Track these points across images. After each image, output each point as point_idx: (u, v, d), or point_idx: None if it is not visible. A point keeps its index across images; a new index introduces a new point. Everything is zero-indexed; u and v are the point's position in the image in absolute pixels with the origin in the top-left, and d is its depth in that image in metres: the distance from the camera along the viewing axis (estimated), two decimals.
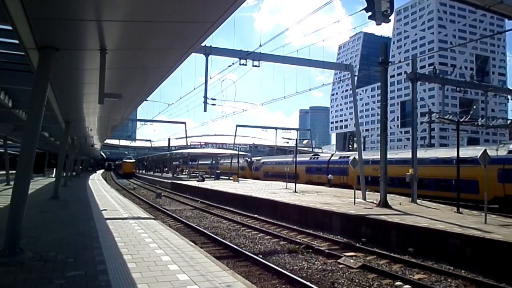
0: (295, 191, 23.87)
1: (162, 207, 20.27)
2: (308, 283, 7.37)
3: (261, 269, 8.53)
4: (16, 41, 7.25)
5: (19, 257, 6.25)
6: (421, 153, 23.74)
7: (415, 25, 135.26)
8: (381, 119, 18.08)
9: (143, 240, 8.18)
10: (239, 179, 40.57)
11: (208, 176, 47.55)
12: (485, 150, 12.94)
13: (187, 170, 56.69)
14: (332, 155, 37.28)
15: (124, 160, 73.30)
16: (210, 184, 32.49)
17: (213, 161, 58.88)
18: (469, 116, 33.39)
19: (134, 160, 75.31)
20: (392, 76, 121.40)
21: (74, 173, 39.54)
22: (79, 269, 5.76)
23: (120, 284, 5.16)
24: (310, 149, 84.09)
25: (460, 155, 16.11)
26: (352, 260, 9.35)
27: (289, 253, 10.23)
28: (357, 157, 18.56)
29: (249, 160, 56.87)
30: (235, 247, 10.48)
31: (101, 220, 10.86)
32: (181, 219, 15.85)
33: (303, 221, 15.26)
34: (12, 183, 12.67)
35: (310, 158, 40.20)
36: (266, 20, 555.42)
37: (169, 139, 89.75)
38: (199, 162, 67.68)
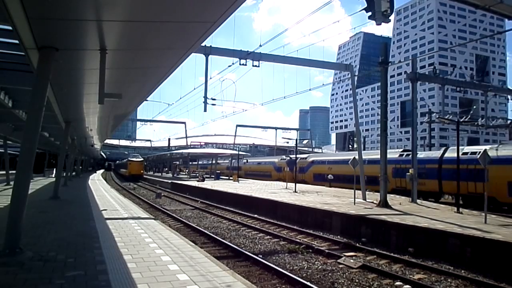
0: (295, 191, 23.88)
1: (162, 207, 20.26)
2: (308, 283, 7.37)
3: (261, 269, 8.53)
4: (16, 41, 7.24)
5: (19, 257, 6.24)
6: None
7: (415, 25, 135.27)
8: (381, 119, 18.09)
9: (143, 240, 8.17)
10: (265, 180, 38.68)
11: (208, 176, 47.51)
12: (485, 150, 12.92)
13: (186, 170, 56.04)
14: (445, 150, 24.53)
15: (129, 159, 58.76)
16: (210, 184, 32.50)
17: (232, 161, 54.42)
18: (469, 116, 33.44)
19: (142, 159, 59.59)
20: (392, 76, 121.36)
21: (74, 173, 39.54)
22: (79, 269, 5.76)
23: (120, 284, 5.16)
24: (310, 149, 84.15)
25: None
26: (352, 260, 9.35)
27: (289, 253, 10.23)
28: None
29: (290, 158, 44.38)
30: (235, 247, 10.48)
31: (101, 220, 10.86)
32: (181, 219, 15.84)
33: (303, 221, 15.26)
34: (12, 183, 12.66)
35: (399, 155, 27.50)
36: (265, 20, 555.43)
37: (169, 139, 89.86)
38: (208, 162, 64.81)
